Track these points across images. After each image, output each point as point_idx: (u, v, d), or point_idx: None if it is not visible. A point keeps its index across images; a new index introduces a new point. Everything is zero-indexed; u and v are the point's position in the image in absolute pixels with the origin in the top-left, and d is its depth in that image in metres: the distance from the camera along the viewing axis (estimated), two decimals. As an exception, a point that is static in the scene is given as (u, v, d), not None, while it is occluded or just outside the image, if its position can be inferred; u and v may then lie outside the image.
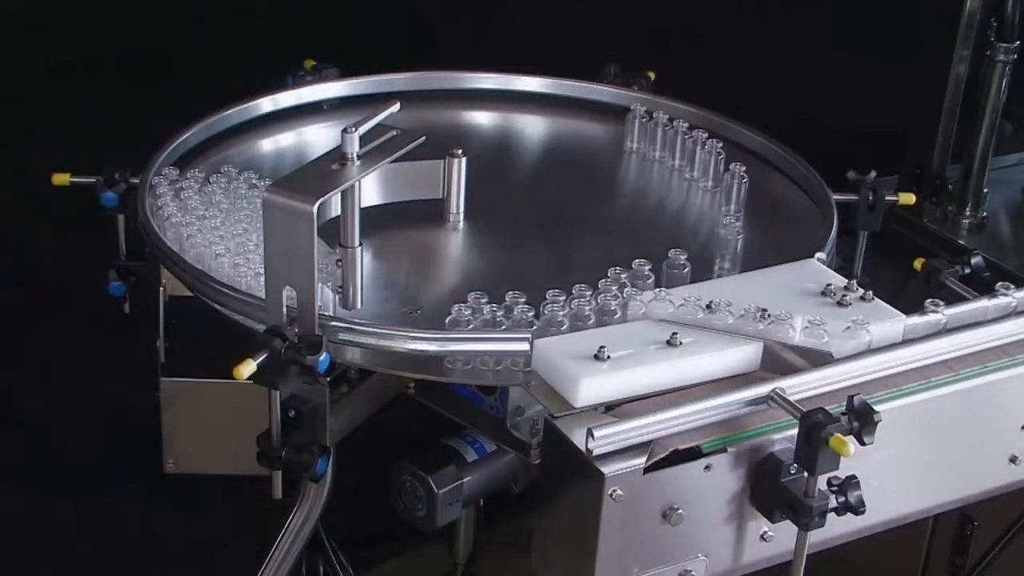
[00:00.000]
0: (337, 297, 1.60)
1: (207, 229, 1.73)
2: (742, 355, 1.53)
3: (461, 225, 1.86)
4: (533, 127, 2.19)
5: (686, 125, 2.06)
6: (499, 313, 1.58)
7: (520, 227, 1.88)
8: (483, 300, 1.59)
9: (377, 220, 1.77)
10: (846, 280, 1.64)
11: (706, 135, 2.03)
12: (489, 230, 1.86)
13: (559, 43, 2.61)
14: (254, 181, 1.85)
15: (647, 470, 1.37)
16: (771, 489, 1.42)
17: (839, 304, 1.59)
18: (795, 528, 1.41)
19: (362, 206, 1.58)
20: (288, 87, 2.11)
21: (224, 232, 1.72)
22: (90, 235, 1.94)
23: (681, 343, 1.51)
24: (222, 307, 1.63)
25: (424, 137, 1.63)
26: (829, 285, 1.62)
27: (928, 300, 1.62)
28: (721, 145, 2.01)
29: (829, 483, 1.41)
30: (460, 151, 1.84)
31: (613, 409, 1.45)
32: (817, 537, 1.43)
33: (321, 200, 1.47)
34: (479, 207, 1.88)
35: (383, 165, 1.58)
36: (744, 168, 1.94)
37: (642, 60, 2.24)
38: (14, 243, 2.38)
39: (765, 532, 1.46)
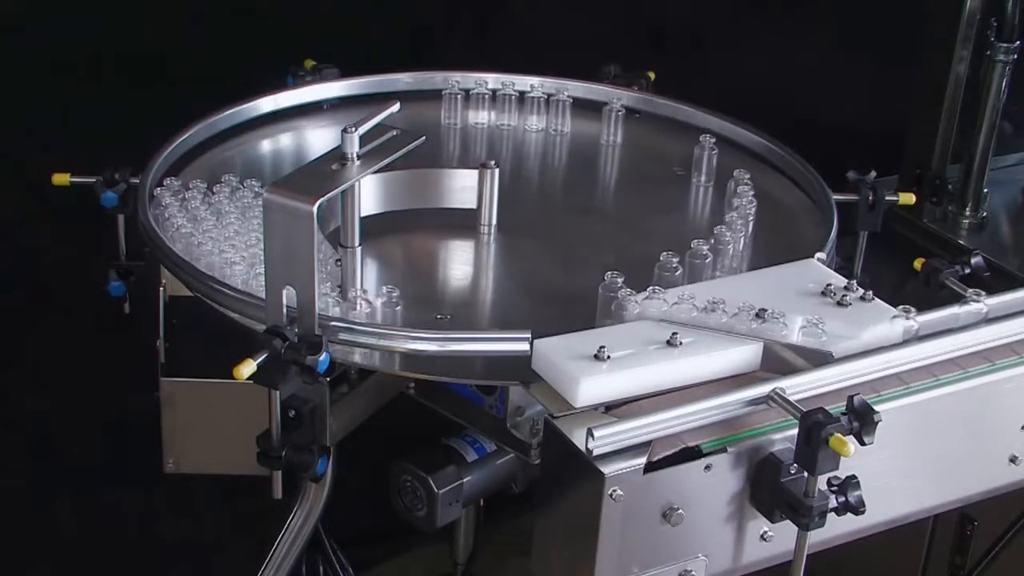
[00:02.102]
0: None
1: (209, 231, 1.73)
2: (742, 355, 1.53)
3: (494, 237, 1.86)
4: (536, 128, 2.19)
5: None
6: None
7: (536, 228, 1.89)
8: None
9: (405, 227, 1.80)
10: (846, 280, 1.64)
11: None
12: (511, 236, 1.86)
13: (559, 43, 2.60)
14: (257, 188, 1.85)
15: (647, 470, 1.37)
16: (771, 489, 1.42)
17: (839, 304, 1.59)
18: (795, 528, 1.41)
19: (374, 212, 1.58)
20: (288, 87, 2.11)
21: (230, 233, 1.72)
22: (90, 235, 1.94)
23: (681, 343, 1.51)
24: (222, 307, 1.63)
25: (424, 137, 1.63)
26: (829, 285, 1.62)
27: (971, 290, 1.63)
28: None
29: (829, 483, 1.41)
30: (493, 163, 1.84)
31: (613, 409, 1.45)
32: (817, 537, 1.43)
33: (321, 200, 1.47)
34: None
35: (383, 165, 1.58)
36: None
37: (642, 60, 2.24)
38: (14, 243, 2.38)
39: (765, 532, 1.46)
